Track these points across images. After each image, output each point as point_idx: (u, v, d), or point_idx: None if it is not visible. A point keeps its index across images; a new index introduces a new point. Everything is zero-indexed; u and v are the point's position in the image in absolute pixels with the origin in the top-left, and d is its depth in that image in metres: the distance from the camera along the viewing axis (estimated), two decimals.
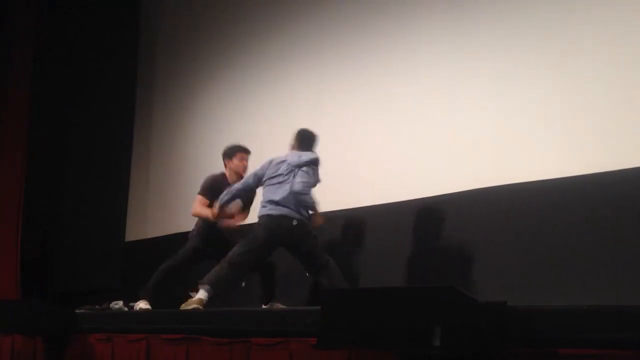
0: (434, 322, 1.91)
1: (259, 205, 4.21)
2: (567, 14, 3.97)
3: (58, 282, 6.98)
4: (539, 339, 2.16)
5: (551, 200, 3.80)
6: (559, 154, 3.87)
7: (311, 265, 4.14)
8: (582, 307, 2.15)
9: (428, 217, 4.45)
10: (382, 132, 4.81)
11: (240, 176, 4.50)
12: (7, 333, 4.41)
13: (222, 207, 4.34)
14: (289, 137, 4.43)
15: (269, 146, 4.77)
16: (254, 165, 4.48)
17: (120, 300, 4.84)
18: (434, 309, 1.96)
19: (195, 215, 4.58)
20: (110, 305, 4.80)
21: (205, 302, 3.85)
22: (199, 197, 4.52)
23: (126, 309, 4.70)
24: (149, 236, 6.49)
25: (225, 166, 4.61)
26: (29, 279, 6.66)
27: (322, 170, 4.28)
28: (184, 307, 3.88)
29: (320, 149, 4.91)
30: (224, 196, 4.31)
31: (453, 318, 1.94)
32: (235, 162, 4.54)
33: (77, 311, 4.56)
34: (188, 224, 5.74)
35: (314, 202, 4.21)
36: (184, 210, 6.15)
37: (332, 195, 4.73)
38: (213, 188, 4.49)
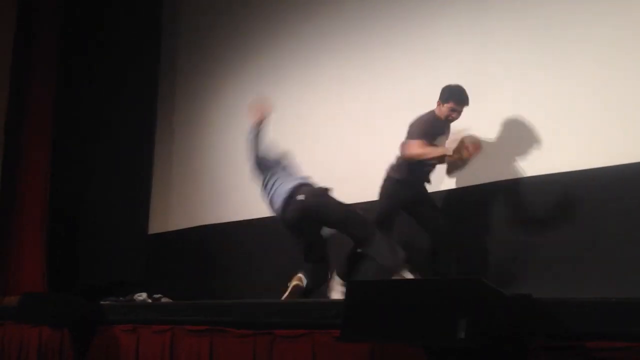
0: (459, 314, 1.89)
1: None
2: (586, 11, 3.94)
3: (83, 274, 7.06)
4: (566, 332, 2.13)
5: (575, 192, 3.76)
6: (586, 145, 3.83)
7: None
8: (611, 299, 2.11)
9: (457, 206, 4.45)
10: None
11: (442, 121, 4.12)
12: (34, 325, 4.47)
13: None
14: (312, 130, 4.43)
15: (293, 138, 4.78)
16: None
17: (144, 292, 4.88)
18: (460, 301, 1.94)
19: (419, 155, 4.01)
20: (134, 297, 4.85)
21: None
22: (419, 141, 4.01)
23: (150, 300, 4.74)
24: (172, 229, 6.54)
25: (437, 105, 4.15)
26: (56, 272, 6.75)
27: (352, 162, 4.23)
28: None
29: (349, 139, 4.88)
30: None
31: (479, 311, 1.92)
32: (444, 109, 4.10)
33: (102, 303, 4.61)
34: (211, 216, 5.76)
35: None
36: (206, 203, 6.19)
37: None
38: (430, 131, 4.08)
